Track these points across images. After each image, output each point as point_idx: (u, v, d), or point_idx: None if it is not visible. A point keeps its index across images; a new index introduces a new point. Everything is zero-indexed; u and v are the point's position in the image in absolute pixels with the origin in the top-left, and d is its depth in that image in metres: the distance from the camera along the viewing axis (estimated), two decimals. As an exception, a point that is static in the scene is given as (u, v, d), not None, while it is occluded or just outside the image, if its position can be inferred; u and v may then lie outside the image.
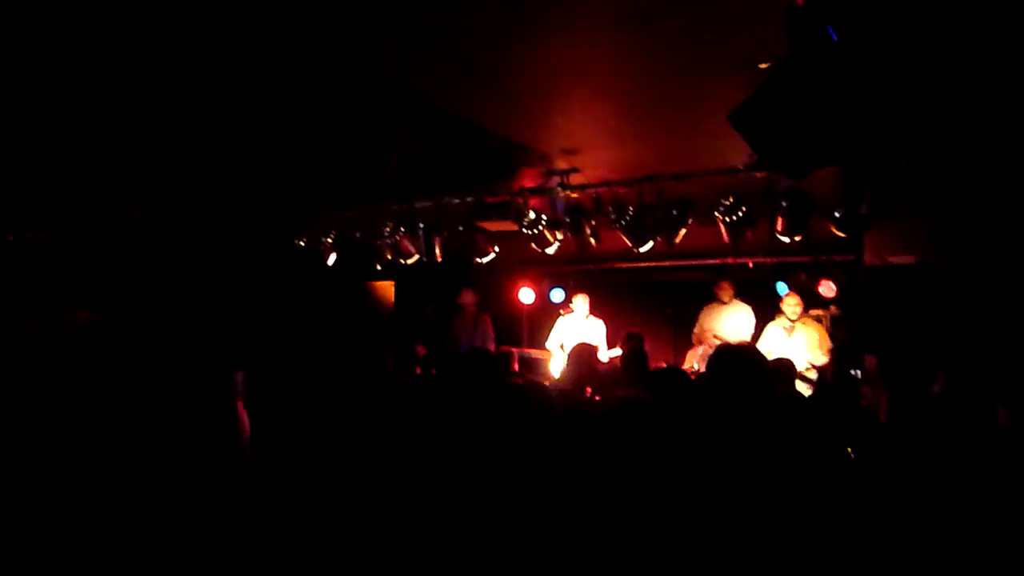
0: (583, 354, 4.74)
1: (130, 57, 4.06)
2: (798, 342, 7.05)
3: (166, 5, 3.41)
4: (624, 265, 8.51)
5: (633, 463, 2.04)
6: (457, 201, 6.83)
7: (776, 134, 2.65)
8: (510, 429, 2.41)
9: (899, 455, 2.71)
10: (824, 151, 2.71)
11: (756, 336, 7.52)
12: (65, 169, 6.23)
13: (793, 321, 7.18)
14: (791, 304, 7.22)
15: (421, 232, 6.98)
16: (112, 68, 4.21)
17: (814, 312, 7.72)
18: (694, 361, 7.93)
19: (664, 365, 8.24)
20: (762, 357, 2.69)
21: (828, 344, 7.10)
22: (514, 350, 7.26)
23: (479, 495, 2.33)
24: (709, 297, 7.96)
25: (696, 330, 7.94)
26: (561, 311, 8.45)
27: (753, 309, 7.81)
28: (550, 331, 8.35)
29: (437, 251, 7.02)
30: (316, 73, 4.27)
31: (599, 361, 4.84)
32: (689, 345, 8.50)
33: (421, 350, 6.44)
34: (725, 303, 7.74)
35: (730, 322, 7.68)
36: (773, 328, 7.33)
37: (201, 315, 7.66)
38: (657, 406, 2.10)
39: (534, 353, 8.78)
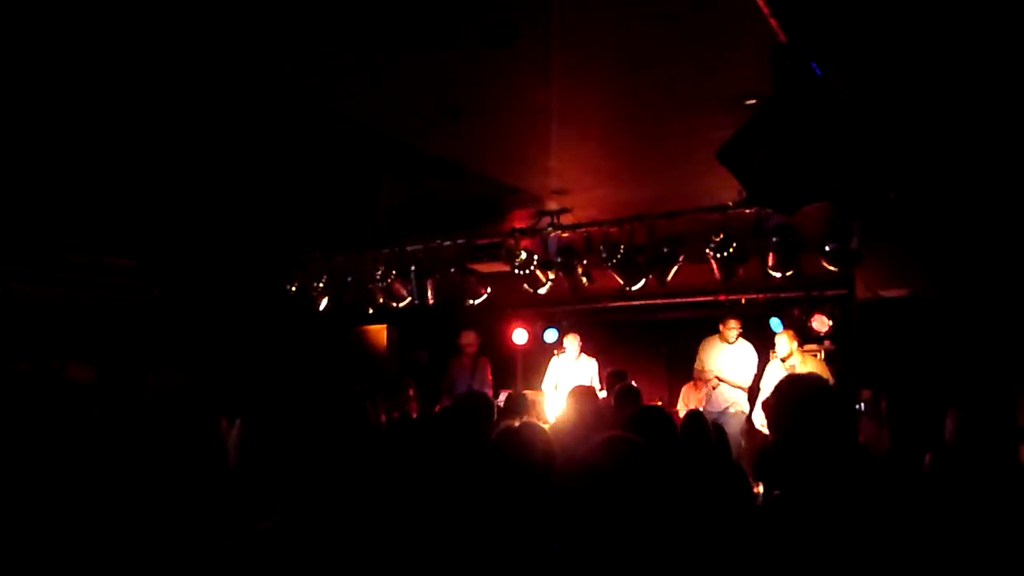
0: (583, 396, 4.68)
1: (118, 105, 4.07)
2: None
3: (153, 54, 3.43)
4: (617, 304, 8.48)
5: (627, 506, 1.97)
6: (448, 243, 6.84)
7: (764, 170, 2.65)
8: (506, 472, 2.36)
9: (902, 492, 2.65)
10: (813, 186, 2.71)
11: (759, 376, 7.48)
12: (52, 219, 6.21)
13: (784, 359, 7.16)
14: (781, 342, 7.21)
15: (413, 275, 6.97)
16: (99, 117, 4.22)
17: (809, 348, 7.70)
18: (692, 400, 7.86)
19: (659, 403, 8.22)
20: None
21: (829, 380, 7.06)
22: (504, 392, 7.21)
23: (471, 538, 2.27)
24: (705, 334, 7.90)
25: (697, 367, 7.88)
26: (555, 351, 8.42)
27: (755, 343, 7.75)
28: (544, 372, 8.31)
29: (429, 294, 7.01)
30: (305, 120, 4.29)
31: (599, 402, 4.77)
32: (684, 382, 8.45)
33: (412, 391, 6.40)
34: (731, 342, 7.66)
35: (733, 361, 7.62)
36: (774, 366, 7.29)
37: (193, 365, 7.59)
38: (647, 447, 2.04)
39: (529, 395, 8.71)
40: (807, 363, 7.17)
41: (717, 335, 7.79)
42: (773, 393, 2.36)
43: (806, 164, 2.64)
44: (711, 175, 4.05)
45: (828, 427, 2.17)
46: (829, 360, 7.78)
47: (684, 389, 8.46)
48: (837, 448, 2.14)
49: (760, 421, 6.92)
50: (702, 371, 7.75)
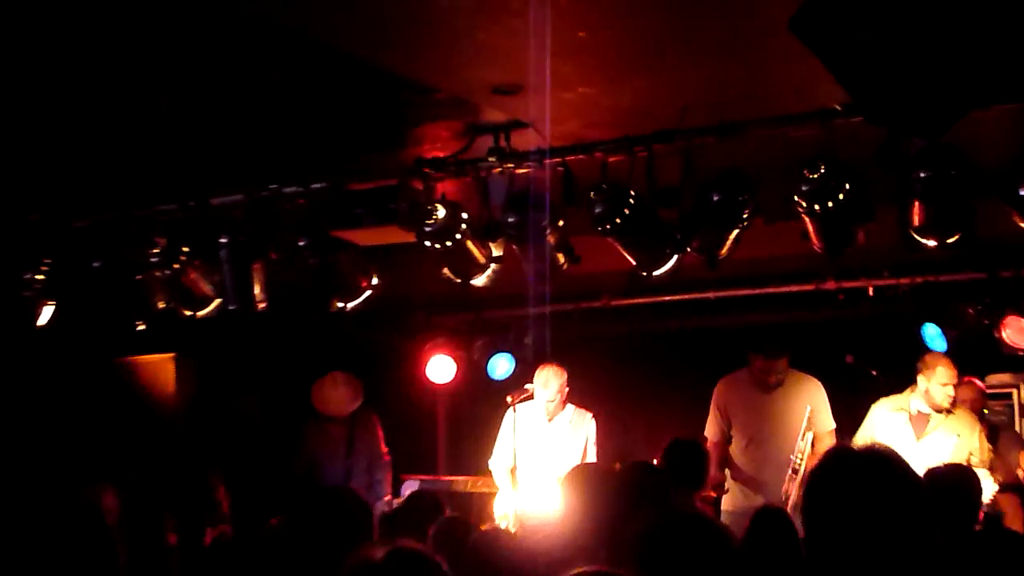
0: (587, 486, 4.74)
1: None
2: (939, 446, 7.22)
3: None
4: (626, 303, 8.56)
5: None
6: (294, 191, 6.88)
7: (878, 56, 2.73)
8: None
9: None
10: (970, 84, 2.80)
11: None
12: None
13: (945, 410, 7.38)
14: (941, 379, 7.37)
15: (224, 256, 6.99)
16: None
17: (996, 383, 7.90)
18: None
19: (726, 487, 8.32)
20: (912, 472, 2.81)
21: (987, 448, 7.34)
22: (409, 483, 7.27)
23: None
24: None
25: (713, 432, 8.09)
26: (510, 398, 8.44)
27: (888, 376, 7.97)
28: (492, 439, 8.37)
29: (256, 290, 7.05)
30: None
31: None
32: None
33: (222, 494, 6.40)
34: (769, 386, 7.90)
35: (783, 418, 7.82)
36: (886, 413, 7.54)
37: None
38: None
39: (461, 485, 8.80)
40: (956, 420, 7.39)
41: (745, 373, 8.01)
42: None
43: (955, 42, 2.73)
44: (797, 57, 4.11)
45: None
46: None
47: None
48: None
49: None
50: (720, 434, 8.03)
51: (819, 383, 7.90)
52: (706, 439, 7.99)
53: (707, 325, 8.93)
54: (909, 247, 6.03)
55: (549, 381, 8.13)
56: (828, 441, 7.73)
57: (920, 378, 7.46)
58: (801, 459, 7.54)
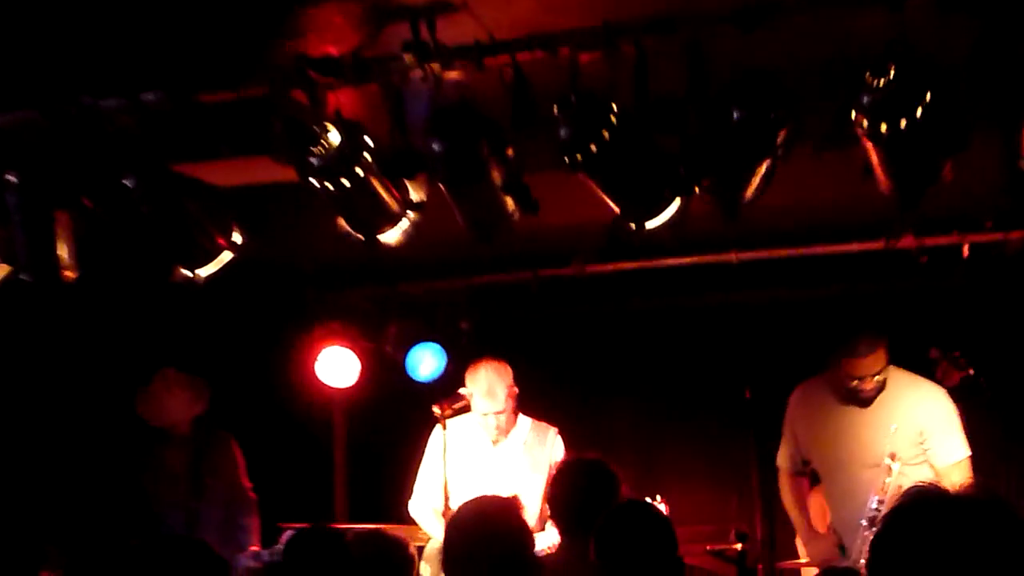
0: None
1: None
2: None
3: None
4: (607, 269, 8.55)
5: None
6: (116, 104, 6.75)
7: None
8: None
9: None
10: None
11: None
12: None
13: None
14: None
15: (13, 203, 6.90)
16: None
17: None
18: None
19: (737, 545, 8.40)
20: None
21: None
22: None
23: None
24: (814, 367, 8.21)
25: (785, 457, 8.27)
26: (438, 410, 8.40)
27: (991, 377, 8.06)
28: (413, 470, 8.47)
29: (62, 253, 6.96)
30: None
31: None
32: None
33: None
34: (867, 397, 7.92)
35: (883, 435, 7.90)
36: None
37: None
38: None
39: (368, 536, 8.74)
40: None
41: (824, 379, 8.15)
42: None
43: None
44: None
45: None
46: None
47: (812, 499, 8.92)
48: None
49: None
50: (797, 459, 8.25)
51: (939, 390, 7.97)
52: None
53: (725, 301, 9.03)
54: (1019, 188, 5.89)
55: (493, 386, 8.18)
56: (956, 479, 7.72)
57: None
58: (880, 503, 7.69)
